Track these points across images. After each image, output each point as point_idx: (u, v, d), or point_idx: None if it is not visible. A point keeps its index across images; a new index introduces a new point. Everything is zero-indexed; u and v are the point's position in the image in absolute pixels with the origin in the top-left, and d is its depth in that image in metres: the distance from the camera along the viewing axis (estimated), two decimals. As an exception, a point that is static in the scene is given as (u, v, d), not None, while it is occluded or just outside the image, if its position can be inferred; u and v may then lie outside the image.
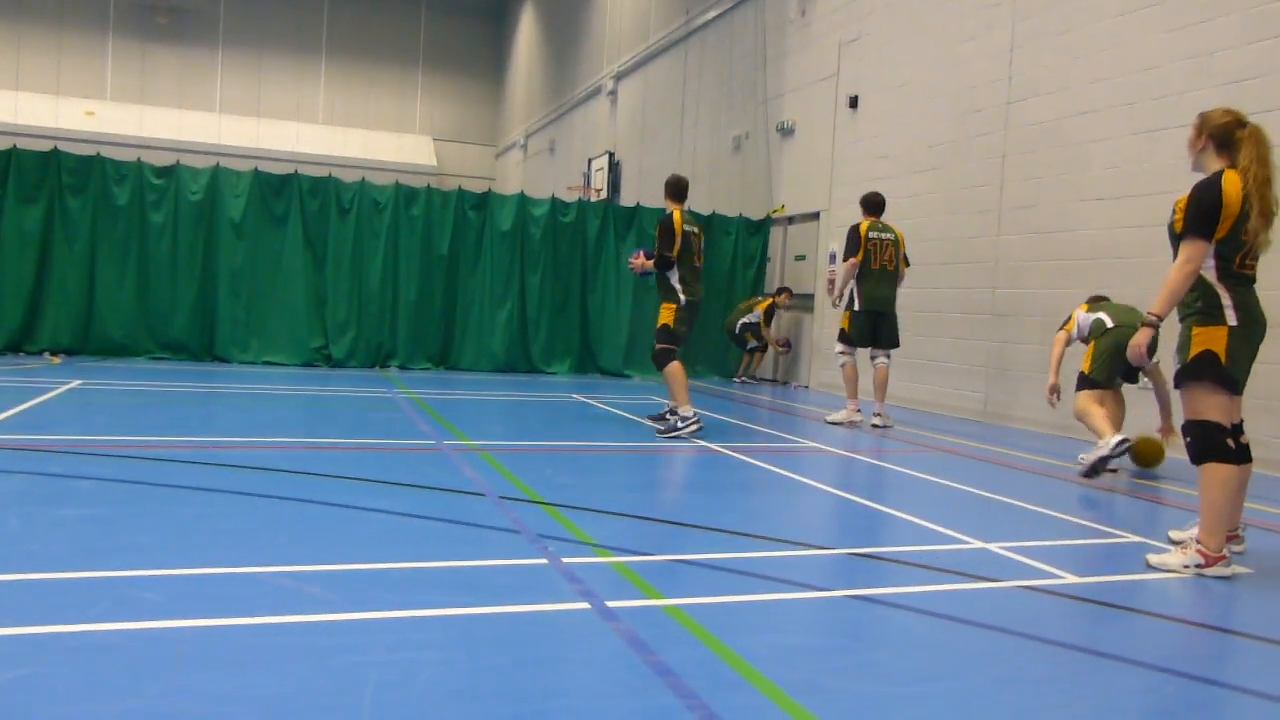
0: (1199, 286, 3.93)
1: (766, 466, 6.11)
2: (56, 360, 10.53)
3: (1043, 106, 9.03)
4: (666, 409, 7.64)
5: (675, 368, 7.46)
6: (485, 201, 12.64)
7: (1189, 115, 7.55)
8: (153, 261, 11.45)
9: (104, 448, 5.38)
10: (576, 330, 13.01)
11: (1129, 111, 8.13)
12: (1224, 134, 3.99)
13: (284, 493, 4.46)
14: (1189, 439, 3.97)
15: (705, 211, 13.74)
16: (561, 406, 9.18)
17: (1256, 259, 3.97)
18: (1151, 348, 4.21)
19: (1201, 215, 3.87)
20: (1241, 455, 4.01)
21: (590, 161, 21.16)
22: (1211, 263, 3.89)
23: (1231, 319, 3.87)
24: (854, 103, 11.88)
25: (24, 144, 11.53)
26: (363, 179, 12.44)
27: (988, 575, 3.73)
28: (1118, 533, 4.65)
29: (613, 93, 20.31)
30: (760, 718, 2.31)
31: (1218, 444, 3.90)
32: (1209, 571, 3.87)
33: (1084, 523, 4.92)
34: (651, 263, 7.59)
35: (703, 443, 6.96)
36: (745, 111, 14.63)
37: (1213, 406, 3.92)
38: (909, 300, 10.82)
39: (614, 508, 4.59)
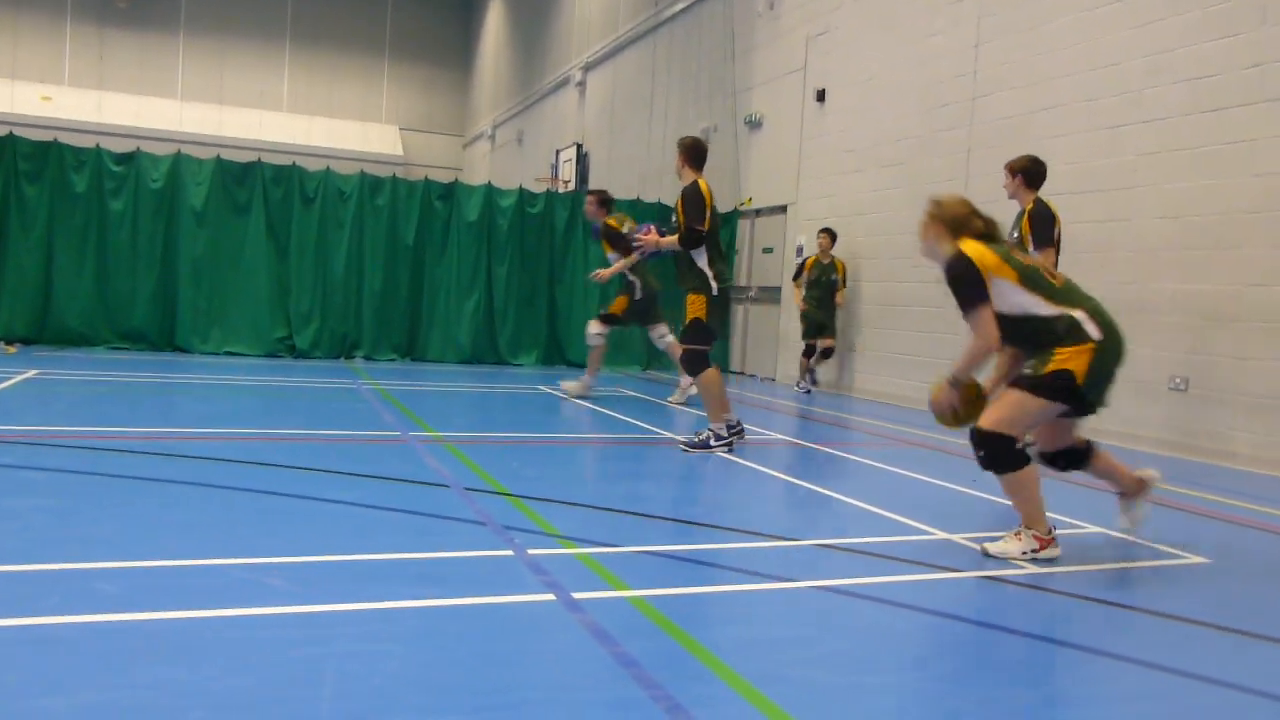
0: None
1: (733, 458, 6.12)
2: (12, 349, 10.32)
3: (1007, 102, 9.11)
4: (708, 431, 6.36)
5: (712, 375, 6.34)
6: (452, 192, 12.55)
7: (1150, 112, 7.70)
8: (112, 250, 11.25)
9: (60, 438, 5.28)
10: (544, 322, 12.96)
11: (1091, 107, 8.22)
12: (964, 224, 4.03)
13: (245, 484, 4.40)
14: (986, 450, 3.85)
15: (671, 203, 13.70)
16: (528, 398, 9.14)
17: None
18: None
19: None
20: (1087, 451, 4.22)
21: (558, 153, 21.07)
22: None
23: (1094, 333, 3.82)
24: (821, 96, 11.92)
25: (-22, 129, 11.27)
26: (327, 168, 12.30)
27: (951, 566, 3.76)
28: (1077, 523, 4.71)
29: (581, 84, 20.23)
30: (724, 708, 2.31)
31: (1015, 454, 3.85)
32: (1043, 555, 3.87)
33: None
34: (669, 240, 6.44)
35: (669, 434, 6.95)
36: (713, 104, 14.63)
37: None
38: (873, 293, 10.91)
39: (580, 499, 4.58)
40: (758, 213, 13.58)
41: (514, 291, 12.69)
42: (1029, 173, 6.58)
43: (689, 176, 6.53)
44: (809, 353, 11.17)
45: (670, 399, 8.92)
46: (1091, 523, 4.74)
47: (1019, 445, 3.85)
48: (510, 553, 3.53)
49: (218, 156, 11.85)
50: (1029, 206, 6.48)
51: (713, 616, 3.04)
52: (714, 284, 6.38)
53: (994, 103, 9.26)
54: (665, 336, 8.87)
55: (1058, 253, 6.47)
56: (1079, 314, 3.83)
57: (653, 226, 6.78)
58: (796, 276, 11.27)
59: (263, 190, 11.75)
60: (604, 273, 8.67)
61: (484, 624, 2.79)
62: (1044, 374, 3.78)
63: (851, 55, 11.44)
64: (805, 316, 11.06)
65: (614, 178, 17.78)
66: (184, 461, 4.86)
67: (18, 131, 11.48)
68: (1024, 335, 3.91)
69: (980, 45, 9.46)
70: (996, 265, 3.86)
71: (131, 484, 4.34)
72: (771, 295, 13.07)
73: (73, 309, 11.11)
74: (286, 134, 26.93)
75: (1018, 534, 3.95)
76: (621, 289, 9.11)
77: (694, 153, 6.56)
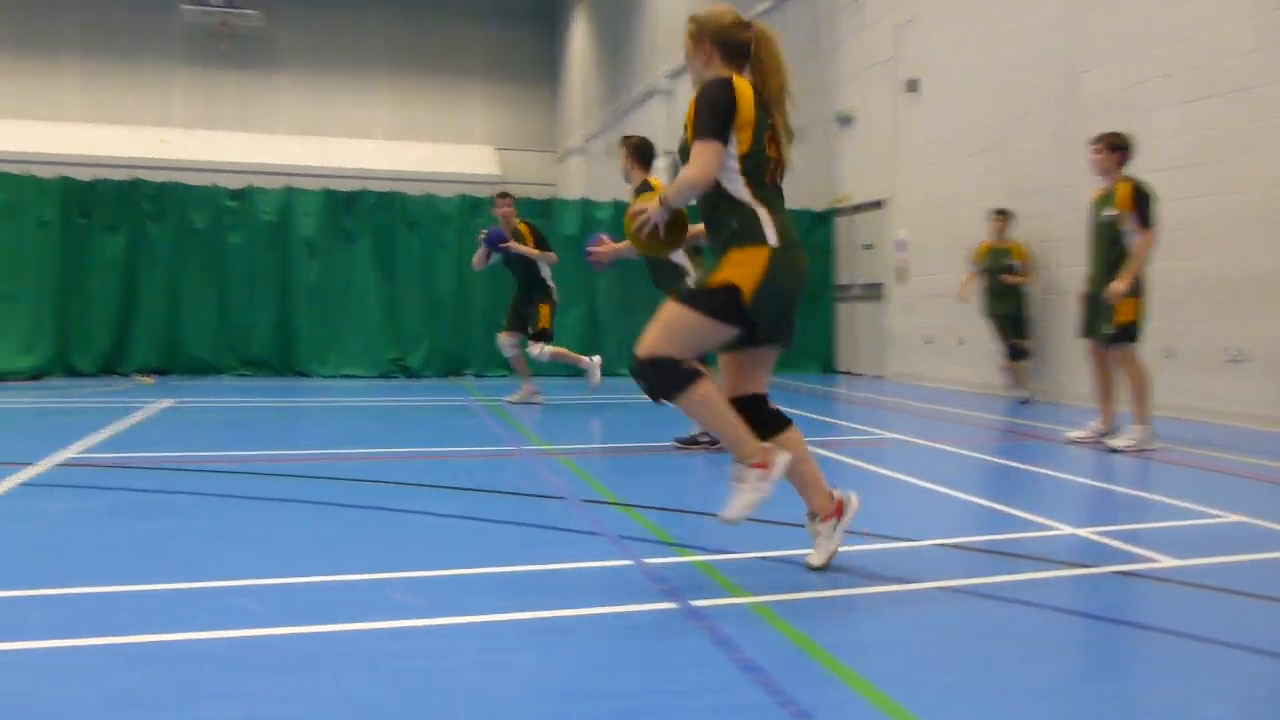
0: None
1: (845, 460, 6.06)
2: (149, 381, 10.93)
3: (1103, 77, 8.79)
4: None
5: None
6: (549, 208, 12.76)
7: (1261, 75, 7.32)
8: (232, 282, 11.84)
9: (197, 463, 5.57)
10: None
11: (1193, 77, 7.85)
12: (731, 39, 3.44)
13: (368, 502, 4.57)
14: (646, 380, 3.23)
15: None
16: (635, 408, 9.21)
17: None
18: None
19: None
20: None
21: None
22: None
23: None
24: (913, 86, 11.70)
25: (102, 174, 12.03)
26: (428, 194, 12.66)
27: (1079, 561, 3.66)
28: (1214, 512, 4.51)
29: (668, 92, 20.30)
30: (850, 711, 2.30)
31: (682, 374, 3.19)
32: (773, 476, 3.35)
33: (1177, 503, 4.77)
34: (623, 246, 6.14)
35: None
36: (803, 102, 14.47)
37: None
38: (953, 284, 10.62)
39: (693, 506, 4.60)
40: (855, 209, 13.40)
41: (615, 302, 12.80)
42: (1129, 150, 6.43)
43: (638, 178, 6.25)
44: (1013, 354, 9.43)
45: (510, 398, 9.28)
46: (1231, 511, 4.53)
47: (683, 365, 3.19)
48: (629, 562, 3.57)
49: (325, 188, 12.32)
50: (1127, 184, 6.30)
51: (834, 620, 3.02)
52: None
53: (1091, 79, 8.95)
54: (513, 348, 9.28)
55: None
56: (762, 212, 3.27)
57: (605, 237, 6.34)
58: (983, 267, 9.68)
59: (369, 218, 12.18)
60: (519, 247, 9.06)
61: (606, 633, 2.84)
62: (707, 286, 3.23)
63: (940, 41, 11.21)
64: (987, 313, 9.63)
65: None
66: (310, 482, 5.07)
67: (139, 174, 12.18)
68: (707, 211, 3.36)
69: (1075, 19, 9.15)
70: (746, 124, 3.29)
71: (264, 505, 4.55)
72: (873, 292, 12.89)
73: (200, 340, 11.72)
74: (387, 161, 27.71)
75: (745, 485, 3.34)
76: (542, 299, 9.17)
77: (640, 152, 6.29)
